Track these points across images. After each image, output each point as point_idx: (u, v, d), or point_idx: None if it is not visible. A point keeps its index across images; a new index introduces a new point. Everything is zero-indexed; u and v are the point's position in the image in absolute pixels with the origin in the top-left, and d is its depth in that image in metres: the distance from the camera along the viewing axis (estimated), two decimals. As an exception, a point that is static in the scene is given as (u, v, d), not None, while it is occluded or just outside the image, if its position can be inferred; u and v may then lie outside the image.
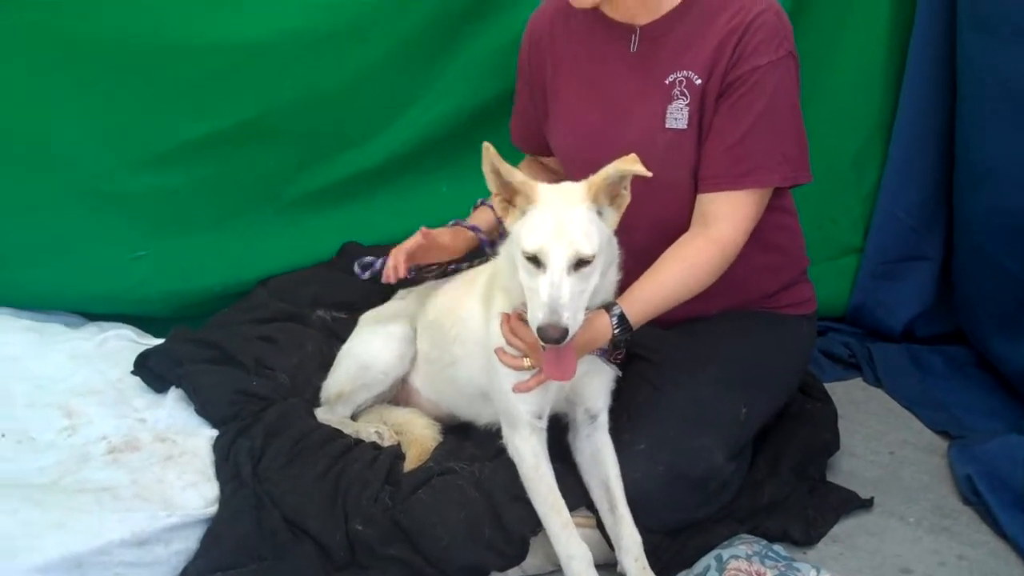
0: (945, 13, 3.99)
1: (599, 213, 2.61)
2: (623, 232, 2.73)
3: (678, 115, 2.95)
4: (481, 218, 3.29)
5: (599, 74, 3.08)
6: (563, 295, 2.46)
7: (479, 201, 3.31)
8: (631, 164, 2.56)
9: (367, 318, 3.34)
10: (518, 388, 2.74)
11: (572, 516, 2.79)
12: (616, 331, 2.75)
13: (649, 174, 2.55)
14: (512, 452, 2.84)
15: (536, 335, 2.48)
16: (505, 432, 2.88)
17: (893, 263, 4.32)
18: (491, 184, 2.64)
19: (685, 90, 2.94)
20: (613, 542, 2.81)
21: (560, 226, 2.52)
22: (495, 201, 2.68)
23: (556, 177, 3.24)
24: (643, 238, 2.94)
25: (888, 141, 4.28)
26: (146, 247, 3.82)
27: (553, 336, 2.44)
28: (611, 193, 2.63)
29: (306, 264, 3.97)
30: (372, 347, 3.22)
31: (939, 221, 4.29)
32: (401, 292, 3.40)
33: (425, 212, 4.04)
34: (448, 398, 3.17)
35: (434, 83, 3.98)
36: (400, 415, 3.20)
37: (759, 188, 2.94)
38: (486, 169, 2.61)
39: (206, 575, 2.71)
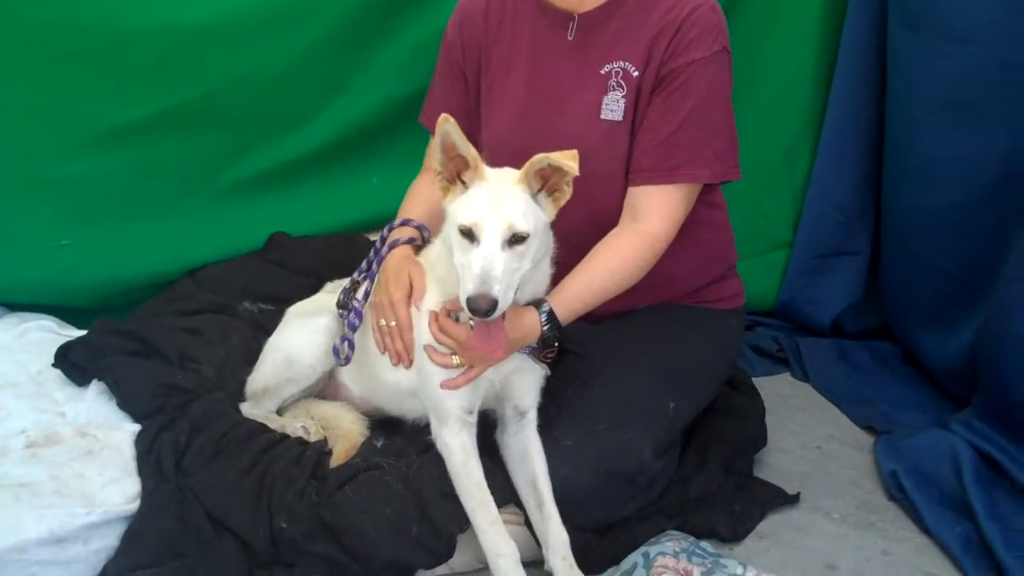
0: (876, 10, 4.03)
1: (534, 198, 2.61)
2: (557, 224, 2.72)
3: (614, 106, 2.94)
4: (403, 235, 3.11)
5: (535, 61, 3.05)
6: (495, 267, 2.46)
7: (389, 229, 3.13)
8: (564, 159, 2.54)
9: (294, 311, 3.29)
10: (446, 385, 2.72)
11: (500, 513, 2.77)
12: (545, 328, 2.74)
13: (576, 173, 2.55)
14: (441, 447, 2.82)
15: (465, 308, 2.47)
16: (434, 427, 2.86)
17: (822, 258, 4.37)
18: (436, 160, 2.61)
19: (622, 81, 2.93)
20: (540, 540, 2.80)
21: (497, 201, 2.52)
22: (436, 179, 2.65)
23: None
24: (576, 229, 2.93)
25: (818, 137, 4.30)
26: (72, 235, 3.73)
27: (483, 307, 2.43)
28: (547, 182, 2.62)
29: (235, 254, 3.92)
30: (298, 340, 3.16)
31: (868, 217, 4.33)
32: (329, 285, 3.34)
33: (355, 203, 4.06)
34: (376, 394, 3.13)
35: (368, 70, 3.96)
36: (327, 409, 3.16)
37: (689, 183, 2.94)
38: (437, 143, 2.58)
39: (126, 573, 2.65)
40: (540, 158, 2.54)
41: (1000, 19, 3.40)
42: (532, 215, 2.55)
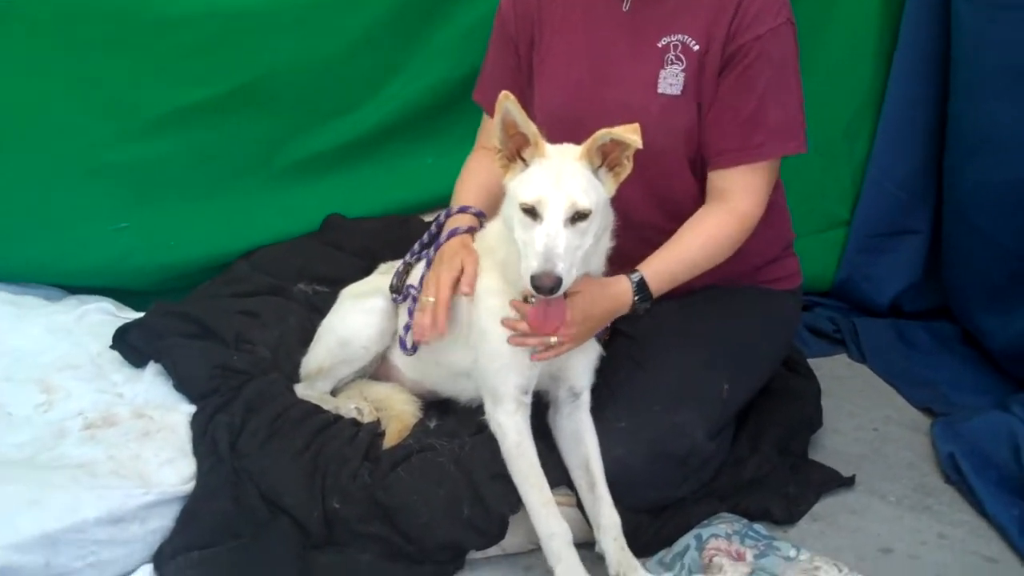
0: (940, -20, 3.94)
1: (595, 173, 2.60)
2: (615, 199, 2.71)
3: (672, 80, 2.91)
4: (461, 223, 3.10)
5: (590, 33, 3.02)
6: (559, 244, 2.46)
7: (446, 215, 3.13)
8: (627, 133, 2.53)
9: (348, 292, 3.30)
10: (534, 358, 2.72)
11: (552, 494, 2.77)
12: (636, 299, 2.77)
13: (640, 146, 2.53)
14: (495, 428, 2.82)
15: (528, 286, 2.47)
16: (488, 408, 2.86)
17: (881, 237, 4.30)
18: (496, 138, 2.60)
19: (681, 55, 2.90)
20: (592, 522, 2.80)
21: (558, 178, 2.52)
22: (497, 157, 2.64)
23: None
24: (634, 205, 2.94)
25: (879, 113, 4.24)
26: (129, 219, 3.77)
27: (547, 285, 2.42)
28: (607, 157, 2.61)
29: (290, 236, 3.95)
30: (352, 321, 3.16)
31: (929, 194, 4.26)
32: (383, 266, 3.35)
33: (411, 184, 4.06)
34: (430, 375, 3.14)
35: (422, 52, 3.97)
36: (380, 391, 3.18)
37: (774, 159, 2.94)
38: (498, 119, 2.57)
39: (182, 553, 2.68)
40: (603, 133, 2.53)
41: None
42: (594, 191, 2.55)
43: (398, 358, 3.20)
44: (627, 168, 2.62)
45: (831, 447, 3.44)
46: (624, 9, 2.97)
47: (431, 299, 2.85)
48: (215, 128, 3.79)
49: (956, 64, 3.94)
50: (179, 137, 3.75)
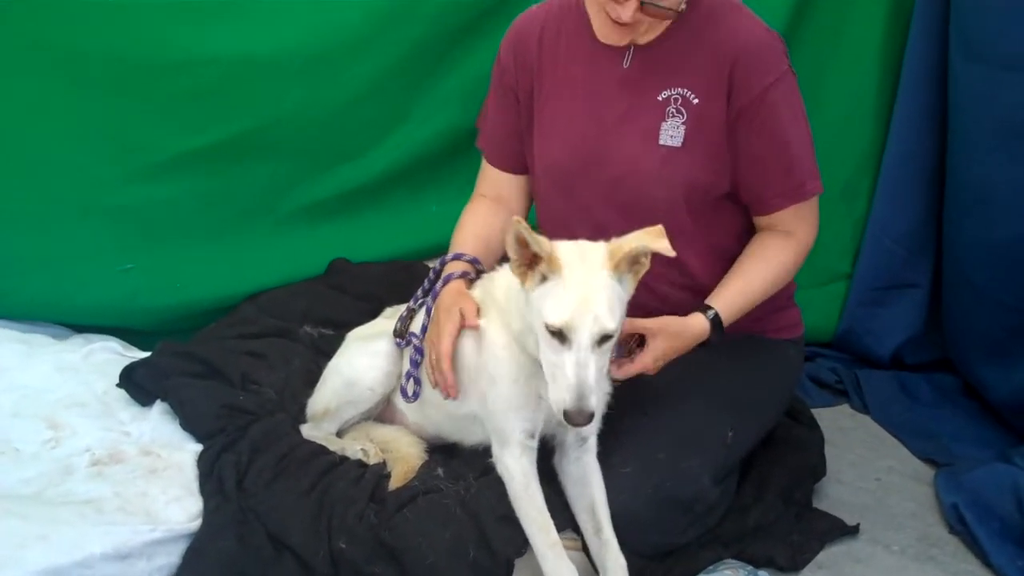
0: (938, 41, 4.01)
1: (619, 281, 2.58)
2: None
3: (673, 132, 2.94)
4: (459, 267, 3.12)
5: (591, 87, 3.05)
6: (589, 376, 2.44)
7: (442, 262, 3.14)
8: (656, 240, 2.54)
9: (354, 335, 3.31)
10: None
11: (559, 537, 2.76)
12: (713, 334, 2.84)
13: (672, 253, 2.52)
14: (502, 471, 2.82)
15: (560, 416, 2.47)
16: (495, 451, 2.86)
17: (882, 290, 4.33)
18: (513, 253, 2.57)
19: (681, 108, 2.94)
20: (598, 565, 2.79)
21: (585, 301, 2.47)
22: (513, 267, 2.61)
23: (517, 195, 3.30)
24: None
25: (879, 168, 4.29)
26: (135, 260, 3.80)
27: (580, 421, 2.44)
28: (632, 263, 2.60)
29: (296, 279, 3.96)
30: (358, 364, 3.17)
31: (928, 249, 4.30)
32: (388, 311, 3.36)
33: (415, 231, 4.09)
34: (432, 419, 3.14)
35: (427, 100, 4.01)
36: (386, 432, 3.17)
37: (815, 195, 3.03)
38: (511, 239, 2.53)
39: (189, 591, 2.69)
40: (635, 247, 2.53)
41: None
42: (619, 304, 2.53)
43: (401, 402, 3.20)
44: (646, 266, 2.61)
45: (835, 496, 3.44)
46: (624, 66, 3.01)
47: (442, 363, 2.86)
48: (221, 172, 3.83)
49: (953, 122, 3.99)
50: (185, 180, 3.79)
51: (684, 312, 2.90)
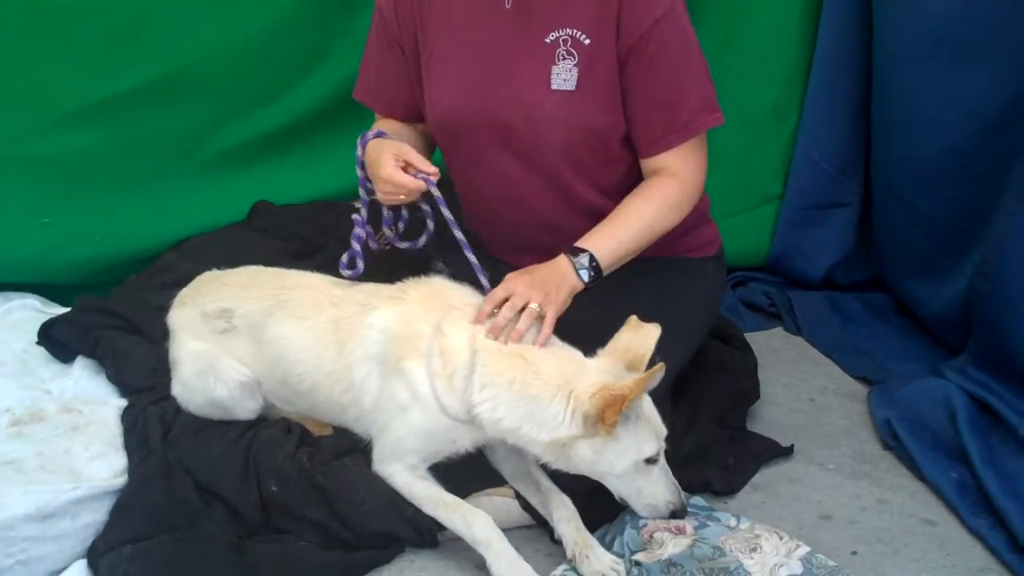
0: (863, -47, 3.96)
1: None
2: (522, 198, 2.84)
3: (566, 75, 2.85)
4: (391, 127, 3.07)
5: (475, 32, 2.93)
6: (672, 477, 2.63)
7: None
8: (651, 337, 2.64)
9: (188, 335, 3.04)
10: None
11: (490, 491, 2.80)
12: (587, 282, 2.76)
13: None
14: (381, 474, 2.76)
15: (667, 517, 2.64)
16: (376, 456, 2.78)
17: (813, 210, 4.32)
18: (601, 418, 2.47)
19: (572, 49, 2.84)
20: (545, 515, 2.77)
21: (656, 418, 2.59)
22: (592, 430, 2.51)
23: (415, 136, 3.17)
24: (540, 201, 2.99)
25: (806, 88, 4.26)
26: (53, 214, 3.70)
27: (683, 512, 2.64)
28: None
29: (220, 226, 3.88)
30: (218, 395, 2.93)
31: (858, 168, 4.29)
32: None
33: (339, 171, 4.00)
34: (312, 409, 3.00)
35: (345, 38, 3.91)
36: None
37: (702, 132, 2.92)
38: (595, 408, 2.46)
39: (116, 547, 2.61)
40: (644, 354, 2.61)
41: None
42: None
43: (274, 399, 3.03)
44: None
45: (769, 419, 3.44)
46: (507, 6, 2.89)
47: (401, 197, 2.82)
48: (137, 119, 3.73)
49: (878, 36, 3.96)
50: (101, 129, 3.69)
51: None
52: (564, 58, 2.84)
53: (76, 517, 2.67)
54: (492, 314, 2.66)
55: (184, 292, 3.10)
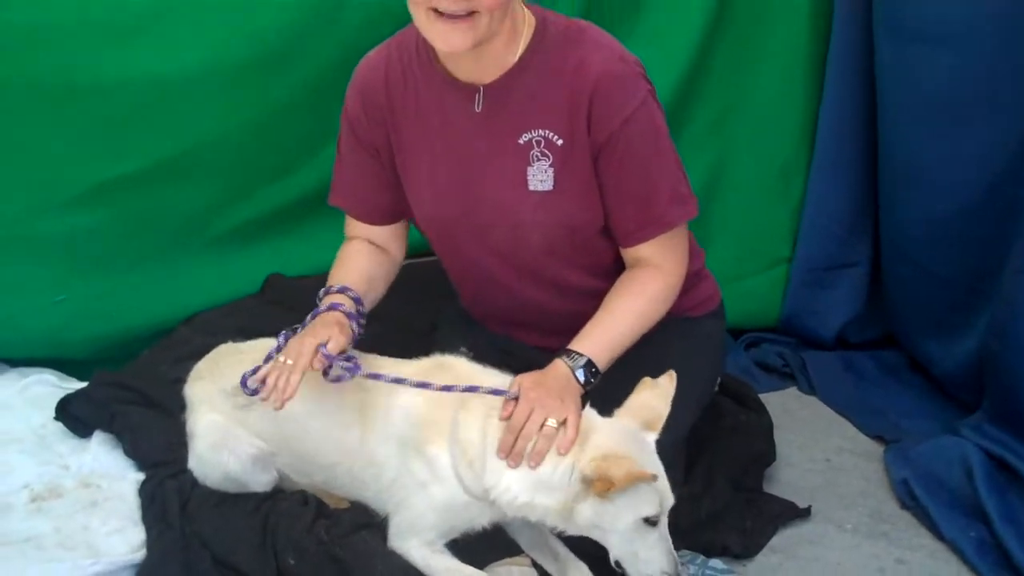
0: (862, 17, 4.00)
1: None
2: (510, 289, 2.90)
3: (542, 176, 2.83)
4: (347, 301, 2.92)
5: (448, 136, 2.90)
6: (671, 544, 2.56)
7: (325, 292, 2.97)
8: (665, 398, 2.65)
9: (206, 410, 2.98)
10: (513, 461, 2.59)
11: (508, 560, 2.77)
12: (586, 385, 2.72)
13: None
14: (398, 551, 2.73)
15: None
16: (393, 532, 2.75)
17: (823, 271, 4.33)
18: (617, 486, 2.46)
19: (546, 151, 2.82)
20: None
21: (663, 481, 2.53)
22: (600, 493, 2.48)
23: (393, 243, 3.14)
24: (534, 296, 3.00)
25: (812, 151, 4.29)
26: (67, 291, 3.71)
27: None
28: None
29: (232, 299, 3.89)
30: (231, 468, 2.90)
31: (867, 227, 4.30)
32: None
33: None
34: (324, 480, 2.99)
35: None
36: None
37: (680, 224, 2.90)
38: (621, 482, 2.44)
39: (135, 623, 2.63)
40: (661, 413, 2.62)
41: (981, 24, 3.41)
42: None
43: (286, 468, 2.99)
44: None
45: (785, 480, 3.44)
46: (477, 109, 2.85)
47: (289, 361, 2.68)
48: (146, 197, 3.73)
49: (881, 99, 4.00)
50: (109, 208, 3.69)
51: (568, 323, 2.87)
52: (539, 159, 2.82)
53: (95, 593, 2.67)
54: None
55: (200, 366, 3.09)
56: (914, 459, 3.39)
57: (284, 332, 2.82)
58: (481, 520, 2.70)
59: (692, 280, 3.14)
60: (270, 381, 2.64)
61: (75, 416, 3.29)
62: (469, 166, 2.89)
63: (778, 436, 3.47)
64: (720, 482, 3.18)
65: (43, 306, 3.68)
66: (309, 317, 2.84)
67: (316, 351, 2.65)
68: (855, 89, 4.14)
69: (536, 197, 2.84)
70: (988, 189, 3.50)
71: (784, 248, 4.40)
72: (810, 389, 4.09)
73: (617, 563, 2.59)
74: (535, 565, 2.81)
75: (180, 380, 3.18)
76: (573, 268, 2.98)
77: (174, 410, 3.18)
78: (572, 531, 2.58)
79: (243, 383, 2.78)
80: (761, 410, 3.53)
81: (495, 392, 2.64)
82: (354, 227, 3.16)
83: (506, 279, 3.00)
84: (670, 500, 2.54)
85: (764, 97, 4.26)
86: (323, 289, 2.95)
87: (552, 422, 2.56)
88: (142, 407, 3.30)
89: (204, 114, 3.72)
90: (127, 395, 3.34)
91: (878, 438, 3.70)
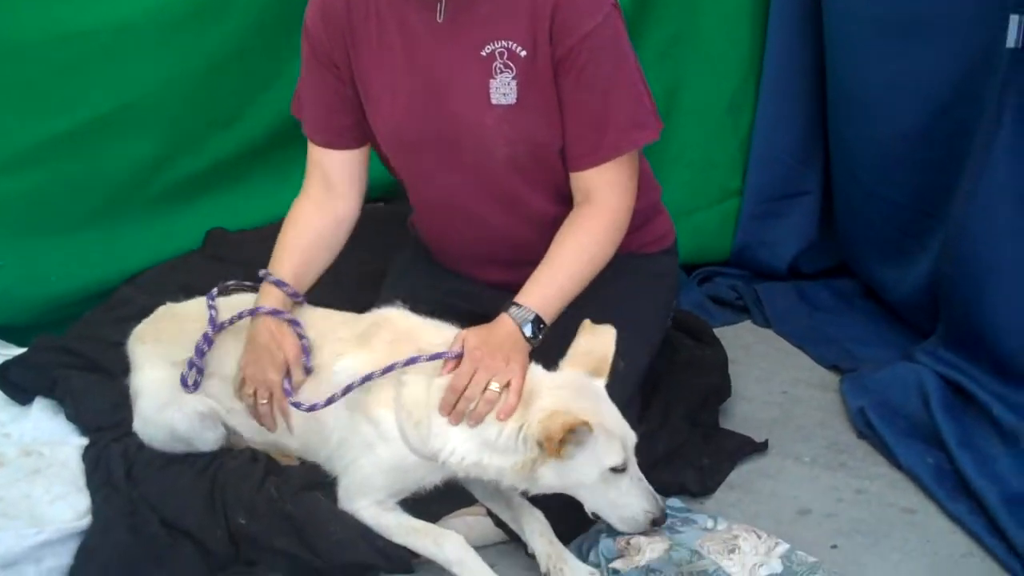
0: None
1: None
2: (471, 213, 2.85)
3: (505, 89, 2.78)
4: (277, 298, 2.89)
5: (409, 49, 2.85)
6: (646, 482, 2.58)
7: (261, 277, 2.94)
8: (610, 341, 2.64)
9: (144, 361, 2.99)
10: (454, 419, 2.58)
11: (462, 511, 2.77)
12: (532, 339, 2.66)
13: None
14: (347, 511, 2.73)
15: (647, 526, 2.58)
16: (342, 491, 2.75)
17: (774, 201, 4.31)
18: (552, 448, 2.44)
19: (509, 62, 2.76)
20: (517, 531, 2.74)
21: (621, 427, 2.55)
22: (549, 453, 2.46)
23: (347, 179, 3.07)
24: (492, 216, 2.95)
25: (760, 81, 4.25)
26: (4, 256, 3.61)
27: (664, 517, 2.59)
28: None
29: (174, 257, 3.81)
30: (178, 427, 2.89)
31: (817, 155, 4.29)
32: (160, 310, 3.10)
33: (296, 195, 3.93)
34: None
35: (295, 59, 3.81)
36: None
37: (631, 151, 2.84)
38: (554, 438, 2.41)
39: (83, 590, 2.57)
40: (605, 355, 2.62)
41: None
42: None
43: (238, 425, 2.97)
44: None
45: (742, 414, 3.41)
46: (439, 20, 2.80)
47: (263, 401, 2.75)
48: (84, 156, 3.62)
49: (827, 22, 3.96)
50: (48, 168, 3.57)
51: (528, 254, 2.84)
52: (501, 71, 2.77)
53: (40, 561, 2.62)
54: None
55: (142, 329, 3.04)
56: (871, 387, 3.37)
57: (211, 293, 2.90)
58: (432, 479, 2.69)
59: (648, 214, 3.12)
60: (258, 419, 2.82)
61: (14, 383, 3.21)
62: (431, 80, 2.84)
63: (733, 370, 3.45)
64: (676, 419, 3.15)
65: (-19, 273, 3.57)
66: (248, 312, 2.85)
67: (283, 394, 2.75)
68: (802, 15, 4.11)
69: (499, 111, 2.80)
70: (937, 111, 3.46)
71: (735, 180, 4.36)
72: (765, 322, 4.06)
73: (594, 514, 2.59)
74: (490, 514, 2.79)
75: (122, 343, 3.12)
76: (538, 189, 2.92)
77: (117, 373, 3.14)
78: (536, 491, 2.56)
79: (183, 381, 2.84)
80: (716, 344, 3.50)
81: (437, 356, 2.61)
82: (311, 167, 3.09)
83: (469, 202, 2.94)
84: (632, 438, 2.54)
85: (711, 28, 4.22)
86: (262, 272, 2.93)
87: (495, 386, 2.54)
88: (84, 371, 3.23)
89: (141, 67, 3.61)
90: (69, 359, 3.26)
91: (834, 368, 3.67)
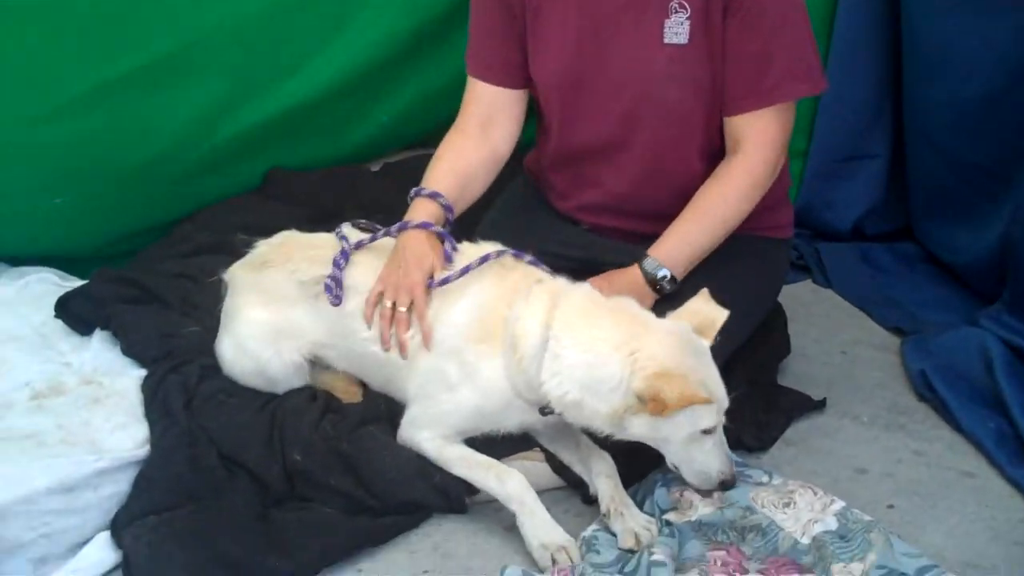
0: None
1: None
2: (635, 155, 2.86)
3: (678, 29, 2.79)
4: (427, 211, 2.88)
5: None
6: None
7: (416, 193, 2.94)
8: (718, 309, 2.61)
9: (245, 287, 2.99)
10: None
11: (520, 455, 2.77)
12: (657, 281, 2.77)
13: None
14: (408, 442, 2.74)
15: (716, 486, 2.59)
16: (407, 422, 2.76)
17: (839, 162, 4.24)
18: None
19: (684, 3, 2.77)
20: (583, 474, 2.74)
21: (721, 391, 2.53)
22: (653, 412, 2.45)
23: (505, 118, 3.07)
24: (659, 157, 2.93)
25: (829, 41, 4.17)
26: (65, 194, 3.56)
27: (732, 483, 2.59)
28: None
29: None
30: (272, 368, 2.92)
31: (885, 117, 4.22)
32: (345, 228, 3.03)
33: (364, 144, 3.93)
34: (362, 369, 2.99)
35: (367, 4, 3.80)
36: (324, 378, 3.04)
37: (786, 102, 2.85)
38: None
39: (139, 518, 2.57)
40: (715, 319, 2.60)
41: None
42: None
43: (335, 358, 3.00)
44: None
45: (800, 372, 3.38)
46: None
47: (403, 309, 2.71)
48: (151, 98, 3.57)
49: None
50: (110, 111, 3.51)
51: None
52: (677, 11, 2.78)
53: (98, 489, 2.63)
54: None
55: (266, 252, 3.01)
56: (932, 350, 3.33)
57: (340, 231, 2.91)
58: (509, 426, 2.70)
59: (779, 198, 3.14)
60: (385, 332, 2.73)
61: (75, 314, 3.24)
62: (604, 21, 2.85)
63: (793, 329, 3.41)
64: (735, 378, 3.09)
65: (42, 208, 3.56)
66: (395, 228, 2.82)
67: (428, 291, 2.71)
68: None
69: (670, 50, 2.81)
70: (1016, 73, 3.40)
71: (800, 141, 4.27)
72: (825, 282, 4.01)
73: (674, 466, 2.60)
74: (548, 460, 2.79)
75: (183, 275, 3.15)
76: (685, 142, 2.93)
77: (174, 303, 3.16)
78: (620, 436, 2.55)
79: (328, 291, 2.81)
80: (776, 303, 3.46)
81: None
82: (468, 103, 3.08)
83: (624, 140, 2.94)
84: (726, 404, 2.54)
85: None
86: (414, 189, 2.92)
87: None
88: (139, 304, 3.26)
89: (206, 9, 3.57)
90: (127, 291, 3.30)
91: (895, 330, 3.63)
